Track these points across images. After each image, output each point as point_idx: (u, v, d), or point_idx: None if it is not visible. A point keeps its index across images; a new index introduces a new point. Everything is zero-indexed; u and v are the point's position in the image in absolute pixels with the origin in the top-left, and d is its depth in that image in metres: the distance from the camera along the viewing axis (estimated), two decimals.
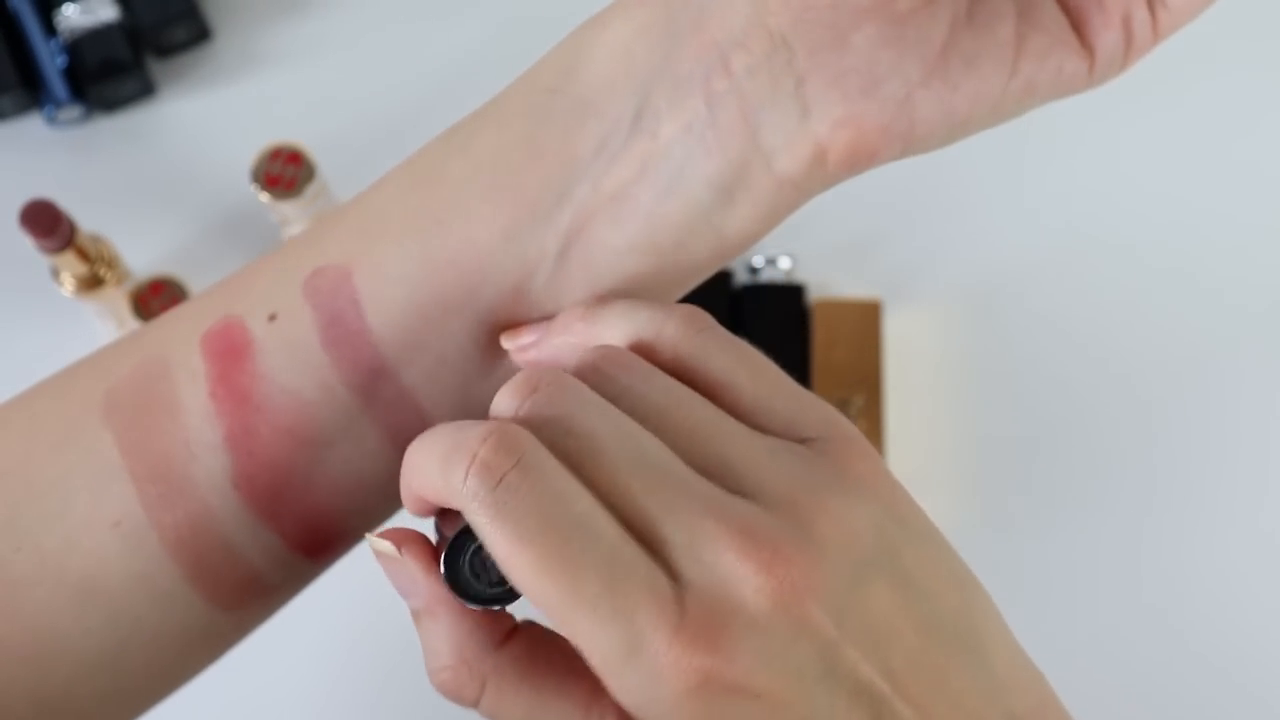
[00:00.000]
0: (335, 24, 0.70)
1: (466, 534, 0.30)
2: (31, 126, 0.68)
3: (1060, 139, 0.66)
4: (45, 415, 0.36)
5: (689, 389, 0.32)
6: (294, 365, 0.35)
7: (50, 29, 0.67)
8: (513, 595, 0.30)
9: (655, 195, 0.34)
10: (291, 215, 0.60)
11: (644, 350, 0.33)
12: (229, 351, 0.35)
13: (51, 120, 0.68)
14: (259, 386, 0.35)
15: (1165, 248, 0.66)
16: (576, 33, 0.36)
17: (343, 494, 0.36)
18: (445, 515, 0.33)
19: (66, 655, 0.35)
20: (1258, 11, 0.69)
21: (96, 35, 0.66)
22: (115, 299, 0.62)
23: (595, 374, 0.32)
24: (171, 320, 0.37)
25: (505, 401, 0.31)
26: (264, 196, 0.59)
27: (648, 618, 0.28)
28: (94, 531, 0.35)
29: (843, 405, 0.61)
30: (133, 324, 0.62)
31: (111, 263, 0.61)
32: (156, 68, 0.69)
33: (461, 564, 0.31)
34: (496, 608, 0.31)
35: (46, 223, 0.58)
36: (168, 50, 0.69)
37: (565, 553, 0.28)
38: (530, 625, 0.32)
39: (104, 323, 0.64)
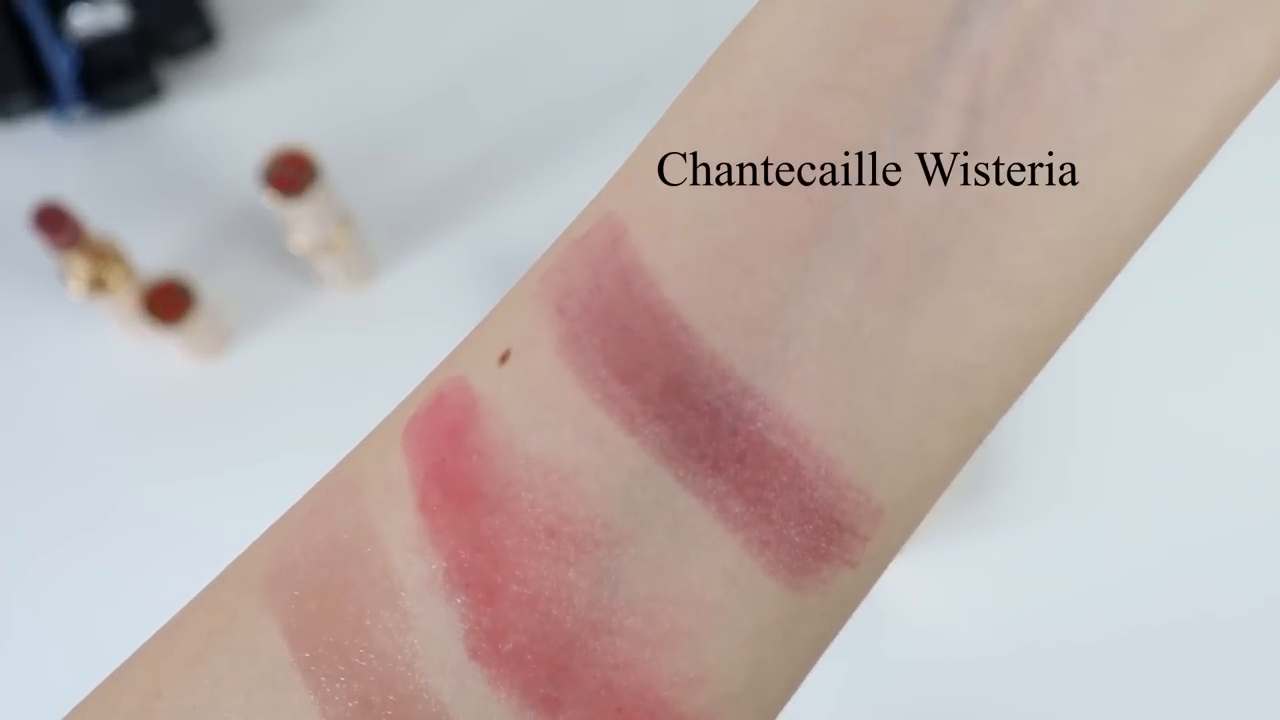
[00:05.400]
0: (343, 27, 0.71)
1: None
2: (40, 128, 0.69)
3: None
4: (188, 614, 0.24)
5: None
6: (545, 415, 0.21)
7: (59, 31, 0.67)
8: None
9: None
10: (299, 218, 0.60)
11: None
12: (444, 431, 0.21)
13: (60, 122, 0.68)
14: (490, 466, 0.21)
15: (1165, 244, 0.66)
16: None
17: (667, 639, 0.20)
18: None
19: None
20: None
21: (105, 37, 0.66)
22: (124, 300, 0.62)
23: None
24: (373, 431, 0.24)
25: None
26: (271, 199, 0.59)
27: None
28: None
29: None
30: (141, 326, 0.62)
31: (119, 264, 0.62)
32: (164, 70, 0.69)
33: None
34: None
35: (55, 224, 0.58)
36: (176, 52, 0.69)
37: None
38: None
39: (113, 324, 0.64)
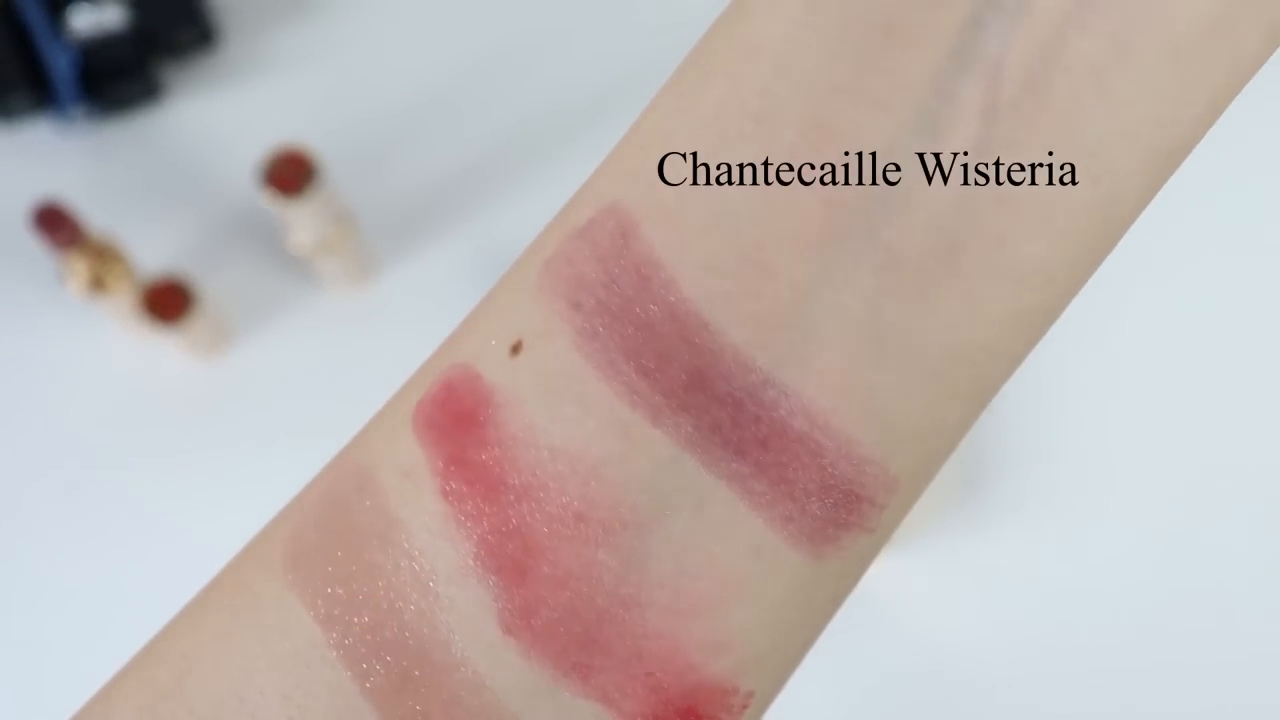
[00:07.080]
0: (342, 27, 0.71)
1: None
2: (40, 128, 0.69)
3: None
4: (212, 592, 0.24)
5: None
6: (567, 408, 0.21)
7: (59, 31, 0.67)
8: None
9: None
10: (298, 218, 0.60)
11: None
12: (456, 420, 0.22)
13: (59, 122, 0.68)
14: (513, 457, 0.21)
15: (1158, 246, 0.66)
16: None
17: (695, 610, 0.21)
18: None
19: None
20: None
21: (104, 37, 0.66)
22: (124, 300, 0.62)
23: None
24: (378, 414, 0.24)
25: None
26: (271, 199, 0.59)
27: None
28: None
29: None
30: (141, 326, 0.62)
31: (119, 264, 0.62)
32: (164, 70, 0.69)
33: None
34: None
35: (55, 224, 0.58)
36: (176, 52, 0.69)
37: None
38: None
39: (113, 324, 0.64)
